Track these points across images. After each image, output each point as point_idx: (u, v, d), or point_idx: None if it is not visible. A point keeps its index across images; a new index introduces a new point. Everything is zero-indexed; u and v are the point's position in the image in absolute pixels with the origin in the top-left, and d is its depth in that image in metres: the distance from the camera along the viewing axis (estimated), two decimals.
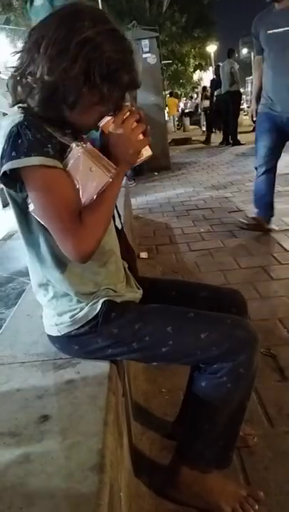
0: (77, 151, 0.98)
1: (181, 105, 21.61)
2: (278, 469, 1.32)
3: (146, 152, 1.10)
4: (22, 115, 0.96)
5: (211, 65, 26.06)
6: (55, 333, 1.15)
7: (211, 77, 11.34)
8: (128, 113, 1.05)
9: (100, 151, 1.04)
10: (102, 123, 1.07)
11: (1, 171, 0.95)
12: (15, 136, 0.93)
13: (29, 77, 0.96)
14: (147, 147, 1.10)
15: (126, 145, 1.04)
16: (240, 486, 1.26)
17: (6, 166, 0.94)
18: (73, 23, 0.94)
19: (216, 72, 10.54)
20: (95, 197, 0.99)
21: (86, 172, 0.98)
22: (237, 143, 10.00)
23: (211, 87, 11.18)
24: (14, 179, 0.97)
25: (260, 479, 1.29)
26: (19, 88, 0.99)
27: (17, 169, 0.94)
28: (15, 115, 0.97)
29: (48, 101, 0.97)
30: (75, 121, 1.03)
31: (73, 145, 0.99)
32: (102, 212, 1.01)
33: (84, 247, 0.98)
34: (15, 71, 0.99)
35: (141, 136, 1.06)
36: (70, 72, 0.93)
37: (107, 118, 1.06)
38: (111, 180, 0.99)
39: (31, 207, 1.00)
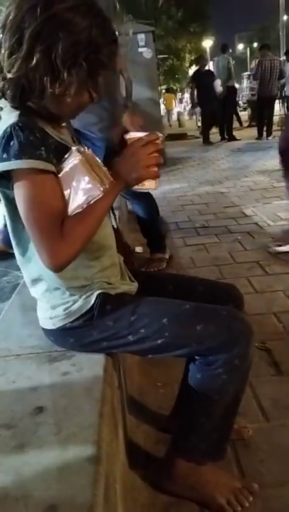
0: (75, 157, 0.96)
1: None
2: (273, 462, 1.33)
3: (151, 185, 1.08)
4: (17, 115, 0.94)
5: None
6: (49, 326, 1.15)
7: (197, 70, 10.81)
8: (156, 140, 1.03)
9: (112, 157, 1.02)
10: (129, 136, 1.06)
11: None
12: (7, 138, 0.92)
13: None
14: (153, 181, 1.08)
15: (133, 166, 1.03)
16: (235, 478, 1.27)
17: None
18: (31, 2, 0.88)
19: (200, 63, 10.26)
20: (84, 206, 0.97)
21: (79, 180, 0.96)
22: (233, 138, 9.99)
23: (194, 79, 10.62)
24: (7, 178, 0.96)
25: (254, 472, 1.30)
26: None
27: (9, 170, 0.93)
28: (11, 113, 0.95)
29: (19, 97, 0.94)
30: (54, 111, 0.99)
31: (73, 149, 0.97)
32: (87, 226, 0.98)
33: (58, 259, 0.96)
34: None
35: (154, 168, 1.04)
36: (30, 62, 0.89)
37: (138, 134, 1.05)
38: (102, 194, 0.97)
39: None
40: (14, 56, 0.90)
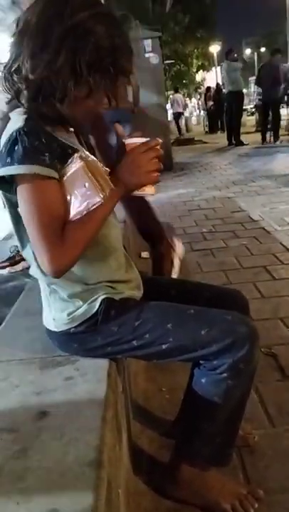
0: (76, 163, 0.97)
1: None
2: (279, 468, 1.32)
3: (150, 190, 1.09)
4: (24, 119, 0.95)
5: (214, 65, 26.07)
6: (52, 328, 1.15)
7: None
8: (156, 146, 1.04)
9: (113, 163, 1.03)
10: (128, 141, 1.07)
11: None
12: (13, 142, 0.93)
13: (15, 75, 0.95)
14: (152, 187, 1.09)
15: (134, 172, 1.04)
16: (240, 484, 1.26)
17: (0, 172, 0.94)
18: (56, 9, 0.92)
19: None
20: (84, 212, 0.98)
21: (80, 187, 0.97)
22: (240, 143, 9.99)
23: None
24: (10, 182, 0.97)
25: (260, 478, 1.29)
26: (8, 85, 0.97)
27: (11, 174, 0.94)
28: (19, 116, 0.96)
29: (36, 99, 0.95)
30: (69, 116, 1.01)
31: (75, 155, 0.98)
32: (86, 232, 1.00)
33: (58, 264, 0.96)
34: (4, 67, 0.97)
35: (154, 174, 1.06)
36: (54, 66, 0.91)
37: (139, 140, 1.06)
38: (101, 201, 0.98)
39: None
40: (37, 58, 0.91)
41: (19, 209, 0.99)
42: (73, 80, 0.93)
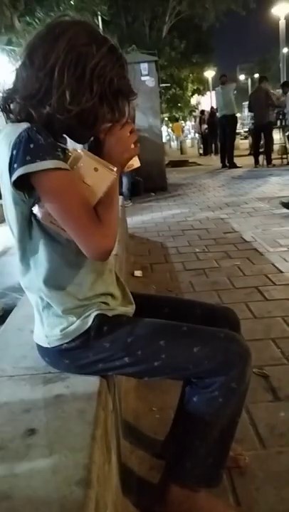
0: (79, 155, 1.02)
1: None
2: (269, 490, 1.30)
3: (136, 163, 1.17)
4: (27, 123, 0.97)
5: (208, 90, 26.56)
6: (44, 344, 1.14)
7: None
8: (126, 122, 1.10)
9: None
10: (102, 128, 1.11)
11: (15, 176, 0.94)
12: (26, 141, 0.93)
13: (48, 107, 0.98)
14: (136, 158, 1.16)
15: (122, 148, 1.09)
16: (230, 506, 1.24)
17: (22, 170, 0.93)
18: (80, 47, 0.98)
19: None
20: (102, 195, 1.02)
21: (91, 173, 1.02)
22: (233, 166, 10.12)
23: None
24: (22, 185, 0.97)
25: (250, 500, 1.27)
26: (33, 112, 0.99)
27: (27, 175, 0.94)
28: (17, 124, 0.98)
29: (69, 126, 1.03)
30: (84, 136, 1.10)
31: (72, 150, 1.03)
32: (114, 208, 1.06)
33: (108, 243, 1.02)
34: (23, 97, 1.00)
35: (133, 146, 1.11)
36: (90, 98, 0.99)
37: (108, 124, 1.10)
38: (115, 177, 1.03)
39: (39, 213, 1.01)
40: (76, 91, 0.98)
41: (38, 212, 1.00)
42: (104, 107, 1.03)
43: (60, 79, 0.96)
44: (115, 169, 1.03)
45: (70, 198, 0.98)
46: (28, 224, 1.04)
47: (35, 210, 1.01)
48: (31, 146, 0.93)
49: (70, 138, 1.11)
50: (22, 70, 1.01)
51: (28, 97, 0.99)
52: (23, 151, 0.93)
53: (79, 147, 1.10)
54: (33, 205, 1.01)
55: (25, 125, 0.96)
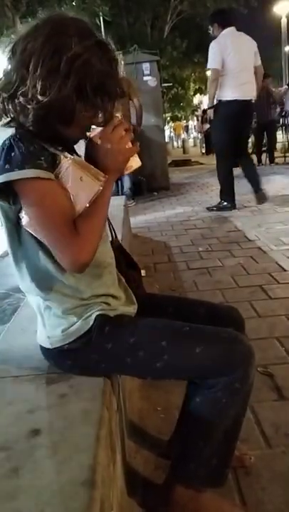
0: (66, 163, 1.00)
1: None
2: (275, 490, 1.29)
3: (136, 163, 1.14)
4: (14, 129, 0.98)
5: None
6: (47, 345, 1.14)
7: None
8: (118, 123, 1.08)
9: (86, 160, 1.06)
10: (92, 134, 1.09)
11: None
12: (8, 149, 0.94)
13: (21, 97, 0.96)
14: (136, 158, 1.13)
15: (115, 154, 1.07)
16: (235, 506, 1.23)
17: (1, 179, 0.94)
18: (60, 38, 0.95)
19: None
20: (87, 205, 1.00)
21: (77, 182, 1.00)
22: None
23: None
24: (7, 192, 0.98)
25: (256, 500, 1.26)
26: (9, 107, 0.99)
27: (10, 182, 0.95)
28: (4, 131, 0.99)
29: (42, 120, 0.97)
30: (67, 135, 1.04)
31: (61, 157, 1.01)
32: (96, 220, 1.03)
33: (83, 256, 0.99)
34: (1, 90, 0.99)
35: (130, 145, 1.08)
36: (63, 90, 0.95)
37: (98, 129, 1.08)
38: (101, 188, 1.01)
39: (24, 221, 1.01)
40: (48, 81, 0.94)
41: (24, 218, 1.00)
42: (80, 102, 0.97)
43: (34, 68, 0.94)
44: (103, 179, 1.02)
45: (47, 207, 0.97)
46: (16, 230, 1.05)
47: (21, 216, 1.01)
48: (12, 154, 0.94)
49: (60, 140, 1.06)
50: (7, 63, 1.00)
51: (5, 88, 0.98)
52: (3, 160, 0.94)
53: (82, 153, 1.09)
54: (20, 212, 1.01)
55: (11, 132, 0.96)
